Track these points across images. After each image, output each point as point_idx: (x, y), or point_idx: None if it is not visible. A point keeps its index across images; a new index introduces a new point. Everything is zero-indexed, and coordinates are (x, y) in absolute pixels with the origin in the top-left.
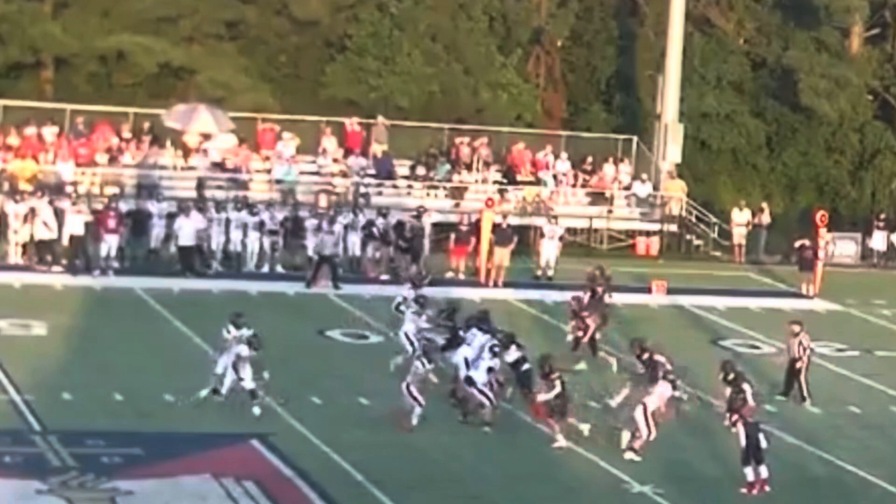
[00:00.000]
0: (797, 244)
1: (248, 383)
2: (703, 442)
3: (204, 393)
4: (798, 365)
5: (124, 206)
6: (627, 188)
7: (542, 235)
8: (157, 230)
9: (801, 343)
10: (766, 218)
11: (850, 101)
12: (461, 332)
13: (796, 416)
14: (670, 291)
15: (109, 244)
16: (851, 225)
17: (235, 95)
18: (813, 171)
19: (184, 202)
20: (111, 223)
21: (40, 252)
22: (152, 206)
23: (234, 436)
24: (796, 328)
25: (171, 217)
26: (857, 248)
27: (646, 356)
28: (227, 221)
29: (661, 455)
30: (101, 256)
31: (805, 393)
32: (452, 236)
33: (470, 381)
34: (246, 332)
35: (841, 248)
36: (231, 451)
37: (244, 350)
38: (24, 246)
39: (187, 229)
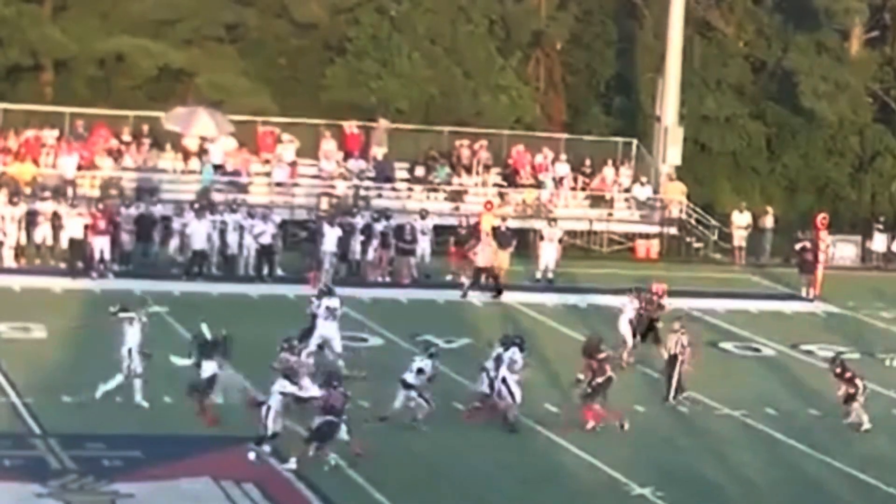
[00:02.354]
0: (798, 247)
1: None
2: (703, 444)
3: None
4: (677, 362)
5: (134, 211)
6: (627, 191)
7: (542, 238)
8: (167, 234)
9: (678, 340)
10: (769, 221)
11: (850, 104)
12: None
13: (796, 417)
14: (670, 294)
15: (100, 246)
16: (851, 227)
17: (235, 98)
18: (813, 174)
19: (197, 205)
20: (101, 225)
21: (74, 255)
22: (158, 210)
23: (233, 438)
24: (676, 325)
25: (167, 220)
26: (857, 251)
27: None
28: (224, 224)
29: (661, 457)
30: (95, 259)
31: (674, 390)
32: (452, 239)
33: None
34: None
35: (841, 250)
36: (231, 453)
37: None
38: (23, 249)
39: (200, 233)
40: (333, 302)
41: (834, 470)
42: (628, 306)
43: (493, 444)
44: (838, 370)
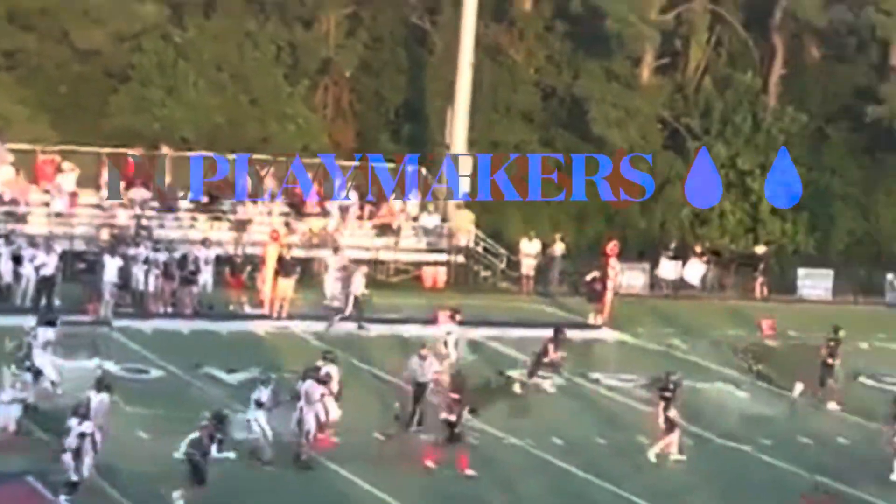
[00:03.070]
0: (588, 277)
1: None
2: (489, 473)
3: None
4: (425, 389)
5: None
6: (415, 219)
7: (327, 267)
8: None
9: (428, 366)
10: (558, 249)
11: (640, 131)
12: None
13: (583, 446)
14: (460, 323)
15: None
16: (640, 254)
17: (13, 126)
18: (602, 202)
19: None
20: None
21: None
22: None
23: (9, 474)
24: (424, 352)
25: None
26: (646, 278)
27: None
28: None
29: (447, 487)
30: None
31: (417, 419)
32: (227, 269)
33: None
34: None
35: (629, 277)
36: (6, 488)
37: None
38: None
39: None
40: (49, 333)
41: (621, 499)
42: (451, 327)
43: (280, 478)
44: (665, 393)
